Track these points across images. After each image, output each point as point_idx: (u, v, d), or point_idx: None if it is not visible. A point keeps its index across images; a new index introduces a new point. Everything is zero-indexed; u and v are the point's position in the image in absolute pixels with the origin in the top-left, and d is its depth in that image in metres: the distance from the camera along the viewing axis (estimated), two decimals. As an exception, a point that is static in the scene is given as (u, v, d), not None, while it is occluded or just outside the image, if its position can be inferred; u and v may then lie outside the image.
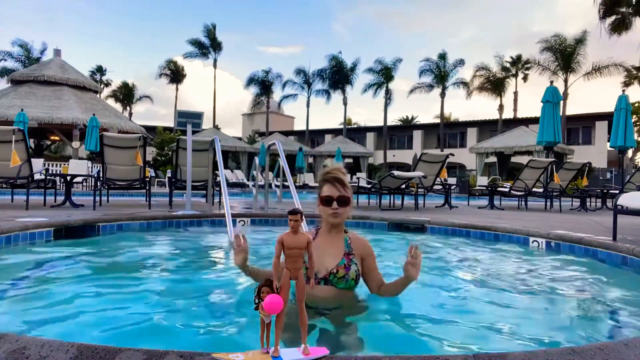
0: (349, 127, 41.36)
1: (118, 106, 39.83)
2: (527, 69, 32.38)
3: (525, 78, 33.54)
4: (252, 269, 2.13)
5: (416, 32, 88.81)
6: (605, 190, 11.44)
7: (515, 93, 34.86)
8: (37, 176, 7.74)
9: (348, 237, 2.17)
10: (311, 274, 1.41)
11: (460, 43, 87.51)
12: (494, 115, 34.47)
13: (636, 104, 29.59)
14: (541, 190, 10.48)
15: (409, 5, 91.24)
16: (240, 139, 35.80)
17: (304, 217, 2.39)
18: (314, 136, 40.83)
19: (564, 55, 26.97)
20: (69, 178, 7.73)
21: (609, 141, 13.94)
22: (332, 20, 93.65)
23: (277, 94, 38.67)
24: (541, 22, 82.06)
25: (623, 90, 9.55)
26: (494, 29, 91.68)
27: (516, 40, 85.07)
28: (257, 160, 9.18)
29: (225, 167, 22.93)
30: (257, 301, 1.24)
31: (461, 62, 32.04)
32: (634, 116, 28.76)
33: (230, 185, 17.53)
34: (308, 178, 25.06)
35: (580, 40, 26.59)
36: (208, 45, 36.31)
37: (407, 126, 42.88)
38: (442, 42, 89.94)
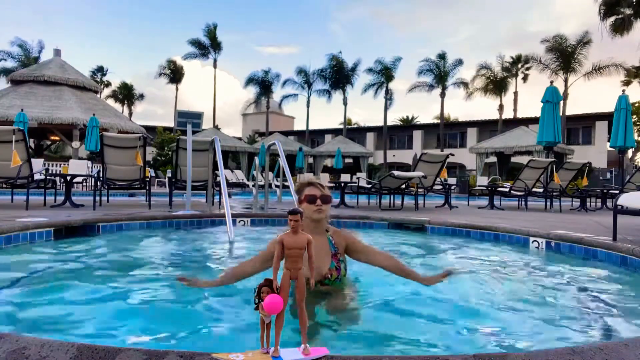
0: (349, 127, 41.35)
1: (118, 106, 39.84)
2: (528, 68, 32.38)
3: (525, 78, 33.54)
4: (222, 278, 2.25)
5: (412, 32, 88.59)
6: (605, 190, 11.44)
7: (515, 93, 34.87)
8: (37, 176, 7.74)
9: (330, 237, 2.32)
10: (312, 275, 1.41)
11: (457, 43, 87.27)
12: (493, 115, 34.50)
13: (636, 104, 29.58)
14: (541, 190, 10.48)
15: (404, 5, 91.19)
16: (240, 139, 35.79)
17: (304, 217, 2.41)
18: (314, 136, 40.82)
19: (564, 55, 26.96)
20: (69, 178, 7.73)
21: (609, 141, 13.94)
22: (329, 20, 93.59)
23: (276, 93, 38.72)
24: (537, 22, 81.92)
25: (623, 90, 9.52)
26: (490, 29, 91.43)
27: (513, 40, 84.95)
28: (257, 160, 9.18)
29: (225, 167, 22.92)
30: (257, 301, 1.25)
31: (461, 62, 32.04)
32: (634, 116, 28.74)
33: (230, 185, 17.50)
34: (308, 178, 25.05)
35: (581, 41, 26.59)
36: (208, 45, 36.31)
37: (407, 126, 42.85)
38: (439, 42, 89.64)
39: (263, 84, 36.34)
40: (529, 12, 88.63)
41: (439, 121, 34.46)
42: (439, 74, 31.99)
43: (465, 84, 32.50)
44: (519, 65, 32.83)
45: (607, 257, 3.67)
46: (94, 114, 16.34)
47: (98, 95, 25.96)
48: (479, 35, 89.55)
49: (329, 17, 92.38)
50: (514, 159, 25.13)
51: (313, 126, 39.35)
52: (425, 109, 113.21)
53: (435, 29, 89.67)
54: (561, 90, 26.55)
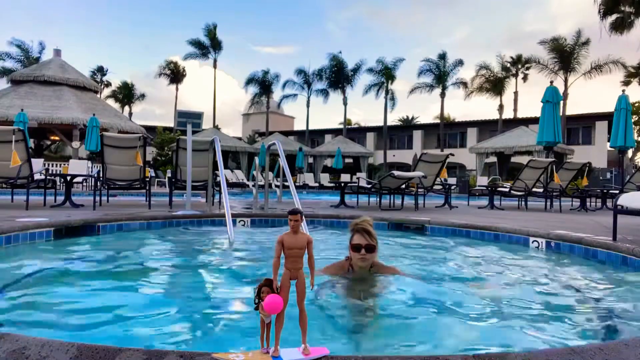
0: (349, 127, 41.34)
1: (118, 106, 39.82)
2: (527, 68, 32.38)
3: (525, 78, 33.53)
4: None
5: (409, 32, 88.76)
6: (605, 190, 11.44)
7: (515, 93, 34.85)
8: (37, 176, 7.73)
9: (374, 271, 2.61)
10: (312, 275, 1.41)
11: (454, 43, 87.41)
12: (493, 115, 34.49)
13: (636, 104, 29.57)
14: (541, 190, 10.47)
15: (401, 5, 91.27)
16: (240, 139, 35.79)
17: (304, 217, 2.41)
18: (314, 136, 40.80)
19: (564, 55, 26.96)
20: (69, 178, 7.72)
21: (609, 141, 13.95)
22: (326, 20, 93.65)
23: (276, 94, 38.71)
24: (534, 21, 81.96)
25: (623, 90, 9.51)
26: (486, 28, 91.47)
27: (510, 40, 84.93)
28: (257, 160, 9.18)
29: (225, 167, 22.92)
30: (257, 301, 1.24)
31: (461, 63, 32.03)
32: (634, 116, 28.74)
33: (230, 185, 17.52)
34: (308, 178, 25.07)
35: (578, 42, 26.60)
36: (208, 45, 36.29)
37: (407, 126, 42.83)
38: (436, 42, 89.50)
39: (263, 84, 36.31)
40: (526, 12, 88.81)
41: (439, 121, 34.45)
42: (439, 74, 31.98)
43: (465, 84, 32.50)
44: (519, 65, 32.83)
45: (607, 257, 3.67)
46: (94, 114, 16.34)
47: (98, 95, 25.96)
48: (475, 35, 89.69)
49: (325, 16, 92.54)
50: (514, 159, 25.13)
51: (313, 126, 39.36)
52: (425, 109, 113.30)
53: (432, 29, 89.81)
54: (561, 90, 26.54)
